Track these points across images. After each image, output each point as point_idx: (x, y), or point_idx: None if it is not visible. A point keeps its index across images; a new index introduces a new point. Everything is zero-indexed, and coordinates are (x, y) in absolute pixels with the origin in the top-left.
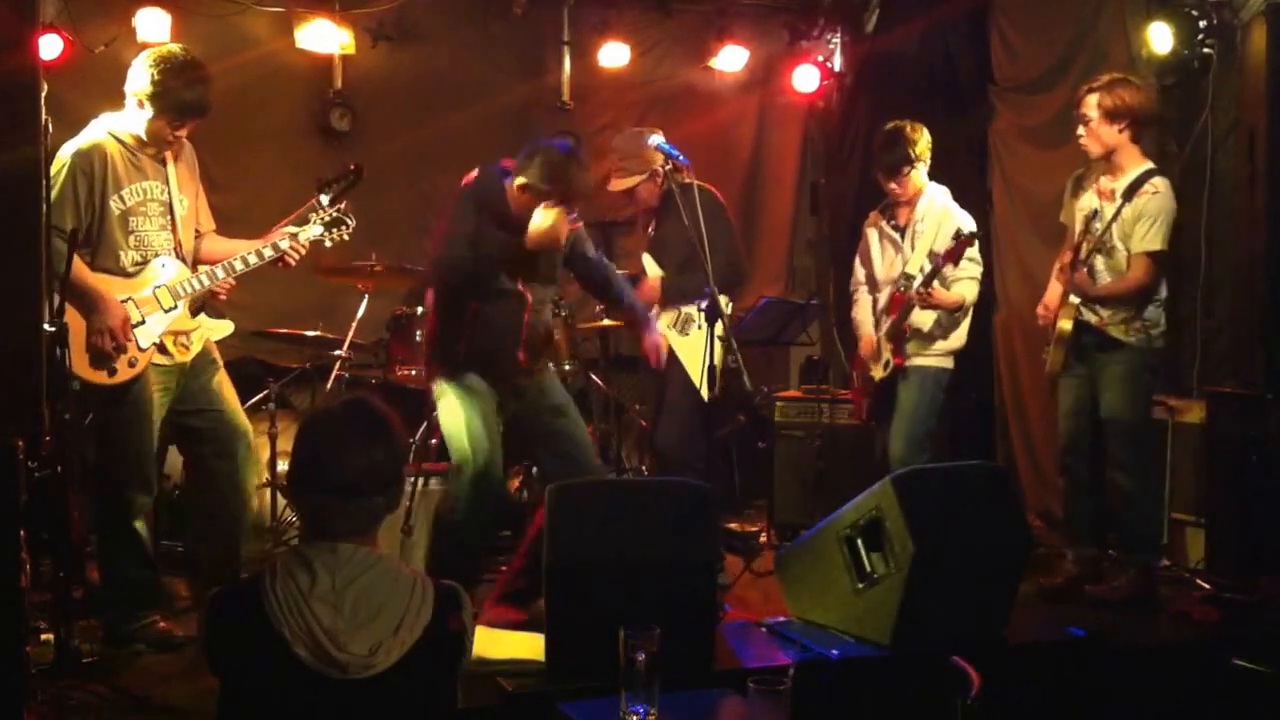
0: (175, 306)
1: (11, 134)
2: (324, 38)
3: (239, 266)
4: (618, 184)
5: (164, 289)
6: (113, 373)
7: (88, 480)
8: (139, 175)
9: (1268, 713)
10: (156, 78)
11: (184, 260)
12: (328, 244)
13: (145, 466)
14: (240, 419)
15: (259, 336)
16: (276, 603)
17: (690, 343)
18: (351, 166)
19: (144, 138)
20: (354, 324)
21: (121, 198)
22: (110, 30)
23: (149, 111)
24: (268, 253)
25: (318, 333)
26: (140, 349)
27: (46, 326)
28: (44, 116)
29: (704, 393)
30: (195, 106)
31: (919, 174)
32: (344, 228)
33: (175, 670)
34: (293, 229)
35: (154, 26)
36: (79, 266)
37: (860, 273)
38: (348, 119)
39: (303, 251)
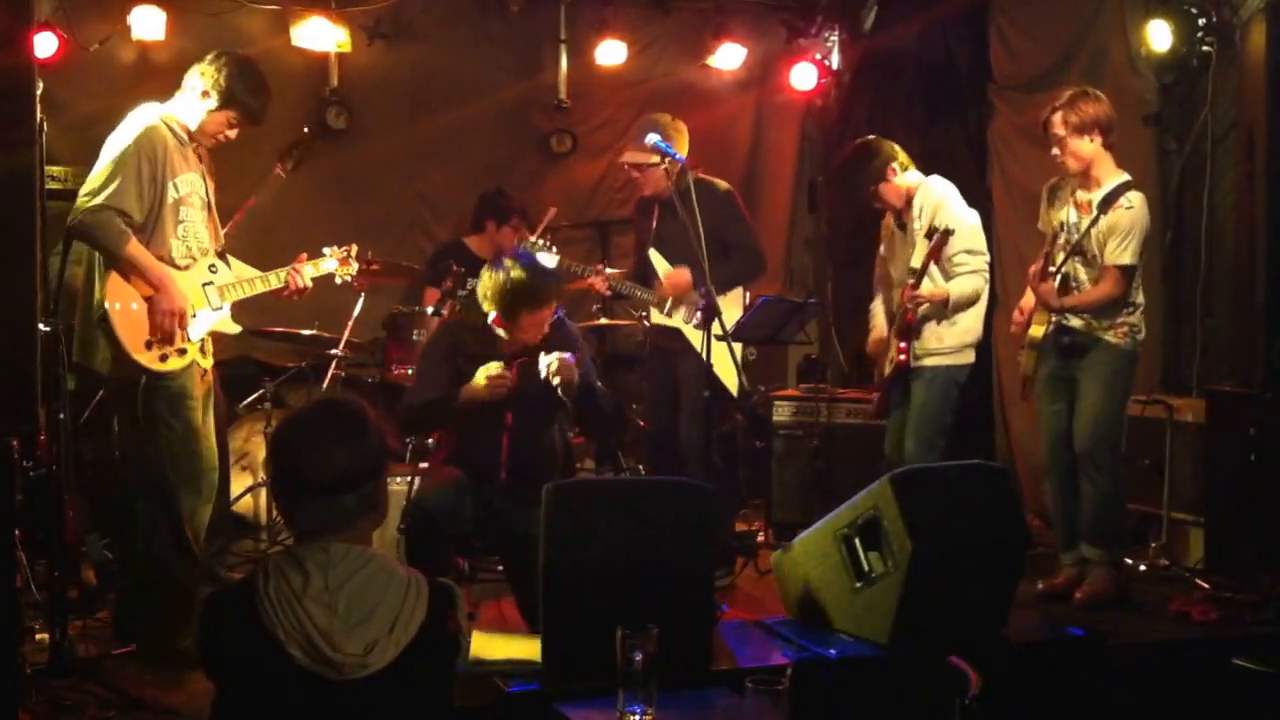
0: (222, 308)
1: (6, 133)
2: (320, 36)
3: (274, 282)
4: (632, 155)
5: (214, 288)
6: (164, 358)
7: (83, 480)
8: (186, 166)
9: (1268, 712)
10: (231, 75)
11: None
12: (338, 280)
13: (200, 465)
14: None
15: (255, 335)
16: (270, 604)
17: (703, 336)
18: (305, 129)
19: (193, 129)
20: (350, 323)
21: (176, 186)
22: (105, 28)
23: (211, 103)
24: (284, 277)
25: (314, 332)
26: (190, 340)
27: (41, 326)
28: (39, 115)
29: (731, 388)
30: (256, 115)
31: (903, 178)
32: (351, 265)
33: (170, 671)
34: (302, 265)
35: (149, 24)
36: (140, 246)
37: (877, 272)
38: (344, 117)
39: (307, 285)
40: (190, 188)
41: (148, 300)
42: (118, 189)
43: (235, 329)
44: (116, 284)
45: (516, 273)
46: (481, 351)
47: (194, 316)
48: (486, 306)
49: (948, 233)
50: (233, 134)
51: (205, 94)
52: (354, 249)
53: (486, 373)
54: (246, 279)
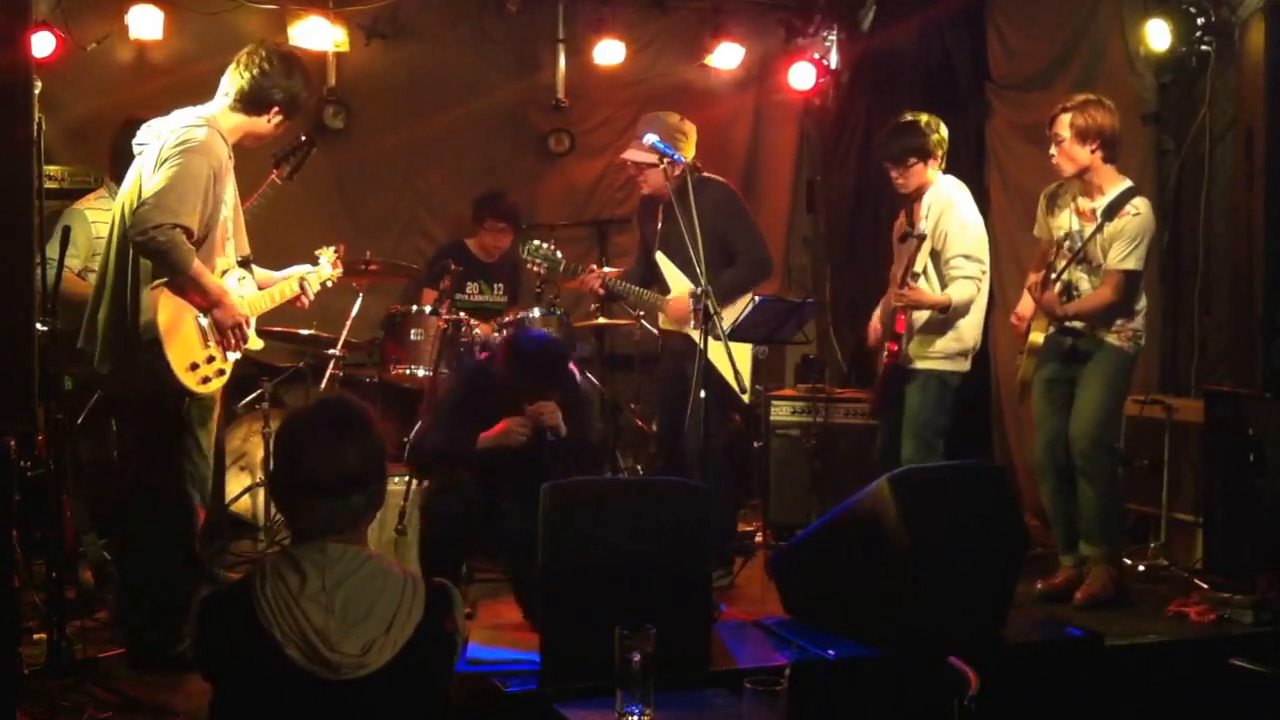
0: (251, 323)
1: (4, 132)
2: (318, 35)
3: (288, 292)
4: (634, 154)
5: (245, 301)
6: (206, 381)
7: (81, 480)
8: (231, 179)
9: (1266, 713)
10: (301, 84)
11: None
12: (328, 285)
13: (210, 477)
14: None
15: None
16: (267, 604)
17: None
18: (301, 137)
19: (237, 138)
20: (348, 322)
21: (225, 201)
22: (102, 28)
23: (279, 118)
24: (296, 286)
25: (311, 331)
26: (228, 360)
27: (39, 326)
28: (37, 114)
29: (740, 389)
30: (306, 105)
31: (928, 168)
32: (339, 267)
33: (168, 672)
34: (307, 269)
35: (146, 24)
36: (200, 263)
37: (891, 271)
38: (342, 117)
39: (310, 297)
40: (234, 200)
41: (207, 316)
42: (187, 207)
43: (259, 344)
44: (165, 306)
45: (532, 365)
46: (500, 404)
47: None
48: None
49: (921, 238)
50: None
51: (275, 110)
52: (342, 249)
53: (515, 422)
54: (267, 294)
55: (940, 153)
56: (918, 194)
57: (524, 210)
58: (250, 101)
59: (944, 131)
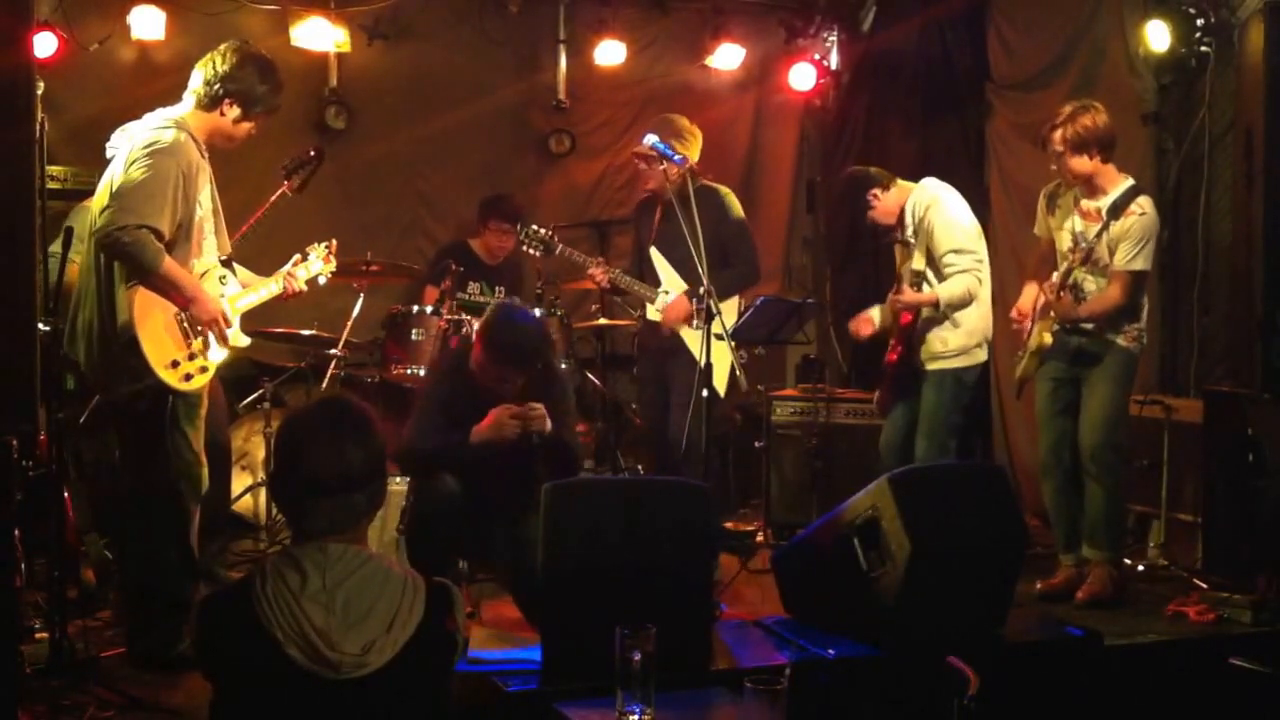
0: (235, 323)
1: (6, 132)
2: (319, 36)
3: (274, 289)
4: (642, 147)
5: (226, 300)
6: (189, 378)
7: (83, 480)
8: (207, 180)
9: (1265, 712)
10: (256, 79)
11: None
12: (321, 281)
13: (202, 475)
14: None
15: (254, 335)
16: (267, 604)
17: (700, 336)
18: (311, 151)
19: (209, 138)
20: (349, 323)
21: (200, 202)
22: (104, 28)
23: (235, 112)
24: (282, 283)
25: (313, 332)
26: (210, 360)
27: (41, 326)
28: (39, 115)
29: (739, 385)
30: (277, 107)
31: (888, 198)
32: (331, 262)
33: (169, 671)
34: (295, 269)
35: (148, 24)
36: (173, 261)
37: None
38: (343, 117)
39: (302, 289)
40: (210, 202)
41: (185, 314)
42: (155, 208)
43: (246, 341)
44: (141, 304)
45: (506, 336)
46: (477, 398)
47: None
48: (476, 352)
49: (906, 244)
50: (253, 131)
51: (227, 103)
52: (334, 244)
53: (506, 414)
54: (251, 290)
55: (878, 186)
56: (900, 215)
57: (525, 211)
58: (205, 98)
59: (864, 173)
